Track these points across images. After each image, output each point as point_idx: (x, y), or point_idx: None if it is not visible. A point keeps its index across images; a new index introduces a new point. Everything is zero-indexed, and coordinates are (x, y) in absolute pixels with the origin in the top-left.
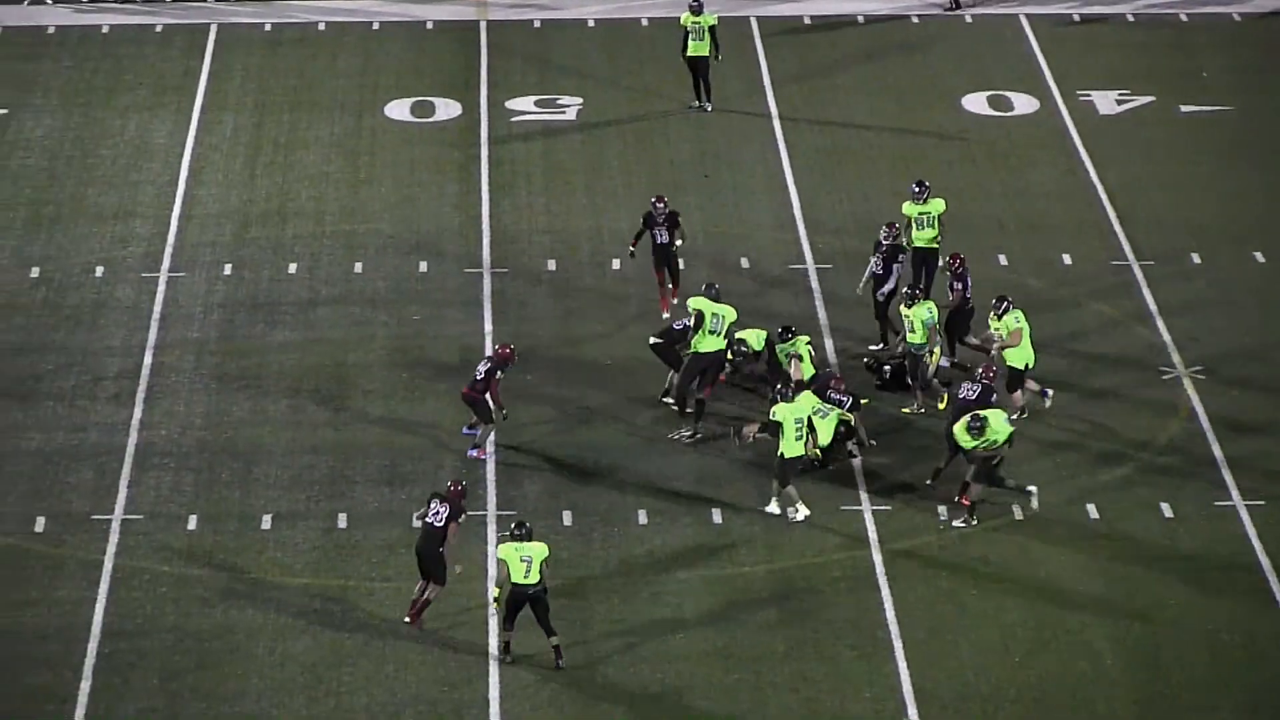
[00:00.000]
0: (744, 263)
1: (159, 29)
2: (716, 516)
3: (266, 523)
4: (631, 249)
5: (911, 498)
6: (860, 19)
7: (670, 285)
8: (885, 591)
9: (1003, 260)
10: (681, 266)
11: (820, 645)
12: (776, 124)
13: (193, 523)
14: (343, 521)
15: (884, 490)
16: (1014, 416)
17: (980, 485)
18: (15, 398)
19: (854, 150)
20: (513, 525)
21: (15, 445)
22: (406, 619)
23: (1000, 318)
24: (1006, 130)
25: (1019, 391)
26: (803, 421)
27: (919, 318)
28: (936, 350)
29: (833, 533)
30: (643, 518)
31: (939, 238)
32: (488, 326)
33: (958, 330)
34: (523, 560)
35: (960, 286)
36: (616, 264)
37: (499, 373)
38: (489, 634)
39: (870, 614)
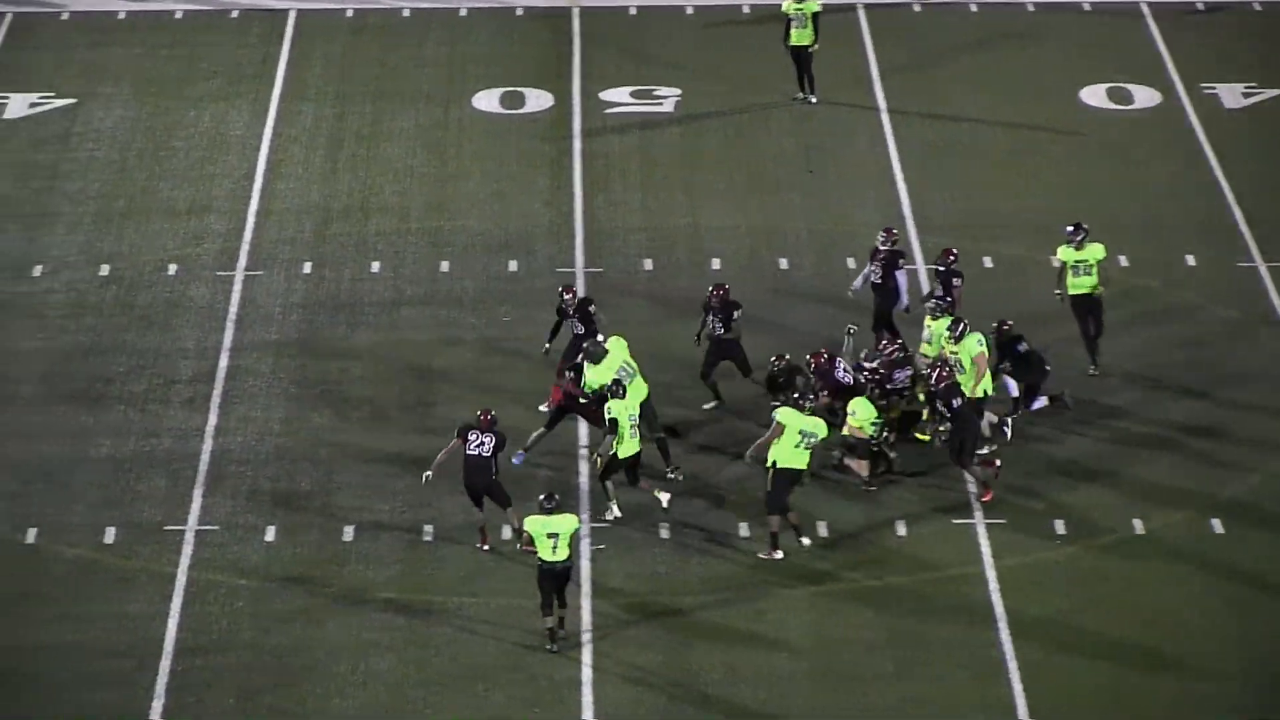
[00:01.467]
0: (850, 263)
1: (235, 15)
2: (822, 530)
3: (348, 534)
4: (697, 337)
5: (1027, 511)
6: (973, 6)
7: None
8: (999, 610)
9: (1123, 261)
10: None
11: (931, 666)
12: (884, 117)
13: (271, 534)
14: (429, 534)
15: (997, 503)
16: (985, 450)
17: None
18: (85, 402)
19: (965, 145)
20: (541, 497)
21: (84, 452)
22: (485, 547)
23: (958, 341)
24: (1126, 125)
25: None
26: (635, 418)
27: (939, 331)
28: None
29: (944, 547)
30: (744, 530)
31: (1099, 287)
32: (579, 329)
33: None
34: (549, 536)
35: (958, 283)
36: (716, 263)
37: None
38: (582, 652)
39: (983, 633)
